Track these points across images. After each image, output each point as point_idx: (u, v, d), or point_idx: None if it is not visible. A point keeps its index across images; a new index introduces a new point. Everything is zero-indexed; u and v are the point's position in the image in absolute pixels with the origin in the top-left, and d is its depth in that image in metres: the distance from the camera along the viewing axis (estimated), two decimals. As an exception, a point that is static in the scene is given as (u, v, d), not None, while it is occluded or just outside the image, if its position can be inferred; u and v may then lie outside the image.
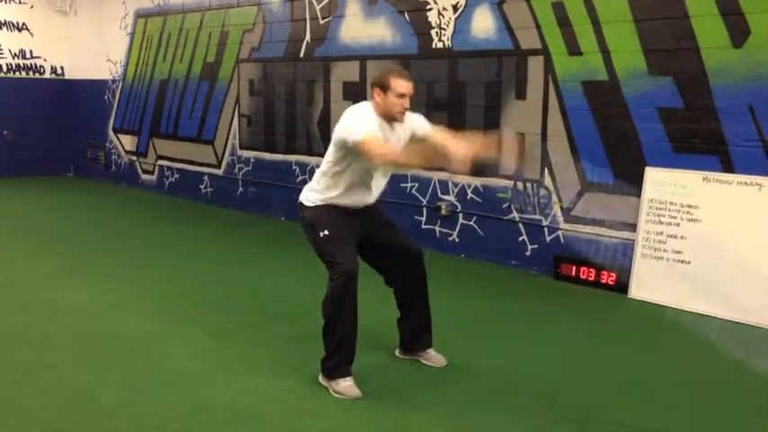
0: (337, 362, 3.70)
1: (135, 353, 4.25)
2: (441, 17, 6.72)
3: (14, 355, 4.21)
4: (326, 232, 3.71)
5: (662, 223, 5.39)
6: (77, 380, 3.84)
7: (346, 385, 3.67)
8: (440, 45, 6.75)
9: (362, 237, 3.84)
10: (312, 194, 3.84)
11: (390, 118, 3.68)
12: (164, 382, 3.82)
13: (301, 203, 3.89)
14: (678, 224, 5.31)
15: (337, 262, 3.64)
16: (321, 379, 3.78)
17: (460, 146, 3.51)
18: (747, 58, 4.96)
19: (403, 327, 4.12)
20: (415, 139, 3.84)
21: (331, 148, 3.75)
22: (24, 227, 8.19)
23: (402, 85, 3.62)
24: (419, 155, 3.74)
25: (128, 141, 11.38)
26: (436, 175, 6.86)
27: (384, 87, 3.63)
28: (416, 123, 3.88)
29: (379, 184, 3.87)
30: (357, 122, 3.59)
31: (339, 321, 3.65)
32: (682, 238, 5.29)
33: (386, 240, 3.93)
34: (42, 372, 3.95)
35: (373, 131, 3.55)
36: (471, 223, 6.72)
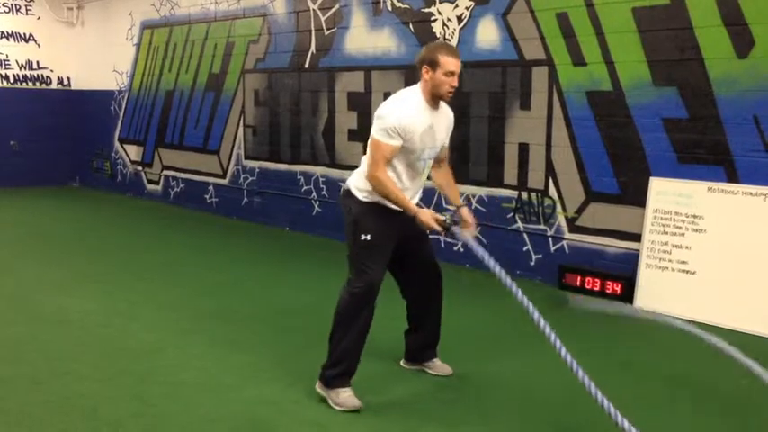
0: (339, 372, 3.63)
1: (141, 362, 4.25)
2: (445, 28, 6.75)
3: (21, 364, 4.22)
4: (368, 238, 3.59)
5: (667, 233, 5.40)
6: (84, 390, 3.85)
7: (346, 396, 3.61)
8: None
9: (400, 239, 3.72)
10: (363, 186, 3.65)
11: (438, 97, 3.59)
12: (170, 392, 3.83)
13: (349, 191, 3.70)
14: (683, 234, 5.31)
15: (367, 272, 3.57)
16: (318, 386, 3.70)
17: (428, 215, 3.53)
18: (752, 68, 4.97)
19: (411, 339, 4.11)
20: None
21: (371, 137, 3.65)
22: (31, 236, 8.22)
23: (451, 63, 3.50)
24: (395, 198, 3.55)
25: (133, 152, 11.43)
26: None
27: (433, 64, 3.50)
28: (451, 120, 3.81)
29: (420, 183, 3.77)
30: (392, 113, 3.49)
31: (349, 331, 3.59)
32: (687, 248, 5.29)
33: (416, 252, 3.86)
34: (49, 381, 3.96)
35: (393, 135, 3.47)
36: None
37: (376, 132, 3.54)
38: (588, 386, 3.07)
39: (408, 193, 3.66)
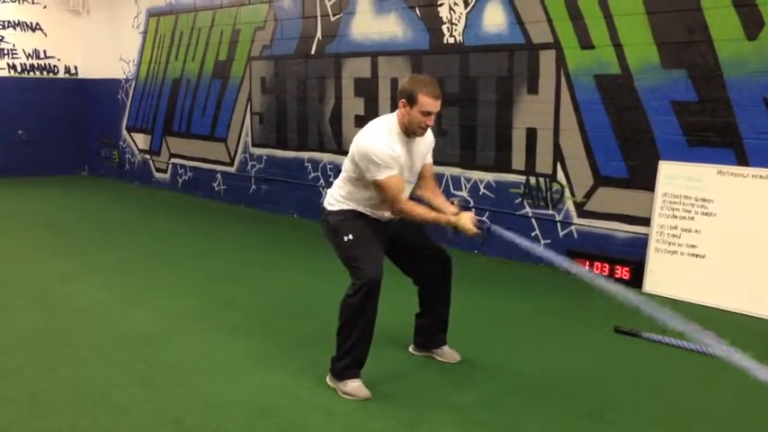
0: (347, 363, 3.64)
1: (150, 349, 4.27)
2: (452, 12, 6.70)
3: (32, 351, 4.25)
4: (350, 237, 3.64)
5: (676, 217, 5.37)
6: (94, 376, 3.87)
7: (355, 386, 3.62)
8: (451, 40, 6.74)
9: (391, 240, 3.78)
10: (336, 199, 3.76)
11: (411, 133, 3.63)
12: (179, 378, 3.85)
13: (324, 208, 3.81)
14: (692, 218, 5.28)
15: (361, 268, 3.58)
16: (329, 379, 3.73)
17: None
18: (761, 49, 4.92)
19: (421, 322, 4.11)
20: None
21: (348, 164, 3.70)
22: (40, 225, 8.25)
23: (430, 104, 3.53)
24: (429, 218, 3.66)
25: (141, 140, 11.44)
26: (448, 171, 6.85)
27: (411, 101, 3.54)
28: (430, 143, 3.87)
29: (405, 194, 3.78)
30: (374, 149, 3.54)
31: (356, 326, 3.60)
32: (696, 231, 5.26)
33: (416, 243, 3.88)
34: (59, 368, 3.98)
35: (391, 165, 3.53)
36: (484, 219, 6.69)
37: (376, 175, 3.55)
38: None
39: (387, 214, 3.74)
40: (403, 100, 3.58)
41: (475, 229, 3.63)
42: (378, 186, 3.59)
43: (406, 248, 3.89)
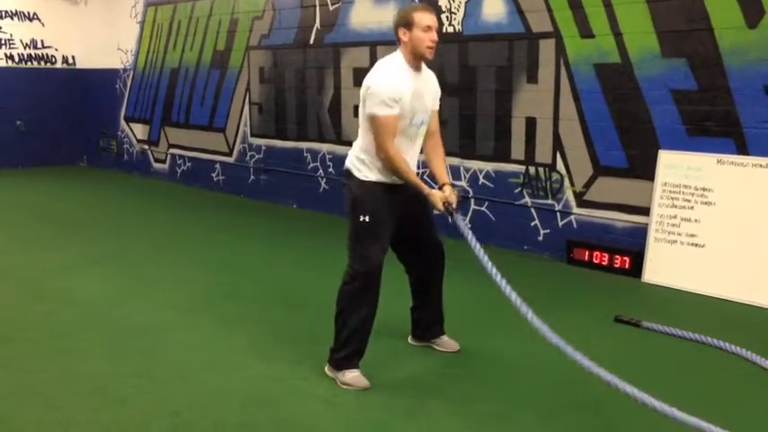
0: (347, 354, 3.61)
1: (148, 341, 4.27)
2: (451, 1, 6.67)
3: (31, 343, 4.25)
4: (367, 219, 3.55)
5: (676, 207, 5.36)
6: (93, 368, 3.86)
7: (353, 376, 3.60)
8: (450, 29, 6.71)
9: (399, 217, 3.69)
10: (360, 165, 3.63)
11: (420, 56, 3.56)
12: (178, 369, 3.84)
13: (349, 171, 3.67)
14: (692, 207, 5.27)
15: (365, 254, 3.54)
16: (327, 369, 3.70)
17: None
18: (762, 38, 4.89)
19: (417, 314, 4.09)
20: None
21: (361, 110, 3.63)
22: (38, 216, 8.24)
23: (427, 18, 3.51)
24: (409, 178, 3.56)
25: (139, 130, 11.42)
26: (447, 161, 6.81)
27: (408, 24, 3.51)
28: (437, 88, 3.78)
29: (415, 151, 3.71)
30: (378, 83, 3.49)
31: (353, 313, 3.57)
32: (696, 221, 5.25)
33: (418, 227, 3.83)
34: (58, 360, 3.98)
35: (391, 104, 3.44)
36: (483, 209, 6.70)
37: (373, 108, 3.49)
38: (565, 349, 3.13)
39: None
40: (401, 29, 3.54)
41: (441, 209, 3.57)
42: (373, 123, 3.50)
43: (411, 226, 3.78)
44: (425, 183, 3.72)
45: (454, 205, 3.62)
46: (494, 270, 3.40)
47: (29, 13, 11.92)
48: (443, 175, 3.77)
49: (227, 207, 8.85)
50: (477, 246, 3.48)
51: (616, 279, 5.55)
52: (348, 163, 3.71)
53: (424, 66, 3.68)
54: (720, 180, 5.14)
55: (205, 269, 5.88)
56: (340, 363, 3.63)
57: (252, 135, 9.24)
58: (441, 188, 3.66)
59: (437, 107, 3.81)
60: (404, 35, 3.54)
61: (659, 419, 3.29)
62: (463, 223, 3.63)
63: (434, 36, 3.54)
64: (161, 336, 4.36)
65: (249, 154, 9.32)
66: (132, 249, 6.58)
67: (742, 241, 5.01)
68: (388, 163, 3.52)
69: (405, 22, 3.53)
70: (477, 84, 6.57)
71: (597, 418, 3.34)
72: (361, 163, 3.63)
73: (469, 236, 3.52)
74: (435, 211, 3.68)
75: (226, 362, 3.95)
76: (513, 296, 3.29)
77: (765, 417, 3.27)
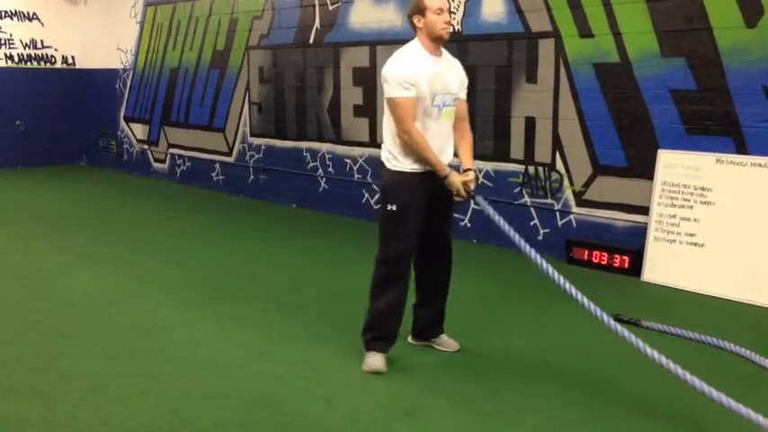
0: (372, 336, 3.77)
1: (149, 340, 4.27)
2: (450, 1, 6.67)
3: (32, 342, 4.25)
4: (394, 208, 3.66)
5: (675, 206, 5.36)
6: (93, 367, 3.87)
7: (373, 359, 3.74)
8: (449, 29, 6.70)
9: (427, 208, 3.75)
10: (388, 155, 3.74)
11: (436, 38, 3.67)
12: (178, 369, 3.85)
13: (383, 163, 3.80)
14: (691, 207, 5.28)
15: (391, 242, 3.67)
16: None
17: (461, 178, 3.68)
18: (761, 37, 4.90)
19: (420, 313, 4.11)
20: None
21: (386, 101, 3.72)
22: (39, 216, 8.24)
23: (437, 1, 3.64)
24: (428, 155, 3.62)
25: (139, 130, 11.42)
26: (447, 161, 6.83)
27: (421, 11, 3.65)
28: (463, 76, 3.86)
29: (443, 134, 3.74)
30: (393, 68, 3.60)
31: (378, 298, 3.72)
32: (695, 220, 5.26)
33: (435, 221, 3.85)
34: (59, 359, 3.98)
35: (407, 87, 3.53)
36: (476, 194, 6.68)
37: (390, 92, 3.62)
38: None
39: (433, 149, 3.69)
40: (416, 16, 3.68)
41: (463, 193, 3.65)
42: (391, 107, 3.62)
43: (433, 221, 3.81)
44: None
45: (473, 189, 3.71)
46: (534, 253, 3.69)
47: (28, 13, 11.91)
48: (468, 161, 3.86)
49: (227, 207, 8.85)
50: (506, 225, 3.66)
51: (615, 278, 5.56)
52: (381, 155, 3.83)
53: (446, 52, 3.80)
54: (720, 179, 5.15)
55: (205, 269, 5.89)
56: (367, 343, 3.79)
57: (251, 135, 9.24)
58: (465, 173, 3.75)
59: (464, 95, 3.89)
60: (418, 21, 3.67)
61: (660, 417, 3.29)
62: (485, 203, 3.74)
63: (447, 17, 3.67)
64: (162, 334, 4.37)
65: (249, 154, 9.32)
66: (132, 249, 6.58)
67: (741, 240, 5.02)
68: (408, 142, 3.61)
69: (418, 10, 3.66)
70: (476, 83, 6.57)
71: (597, 417, 3.34)
72: (389, 153, 3.75)
73: (495, 215, 3.67)
74: (456, 198, 3.74)
75: (226, 360, 3.95)
76: (562, 280, 3.66)
77: (765, 417, 3.27)
